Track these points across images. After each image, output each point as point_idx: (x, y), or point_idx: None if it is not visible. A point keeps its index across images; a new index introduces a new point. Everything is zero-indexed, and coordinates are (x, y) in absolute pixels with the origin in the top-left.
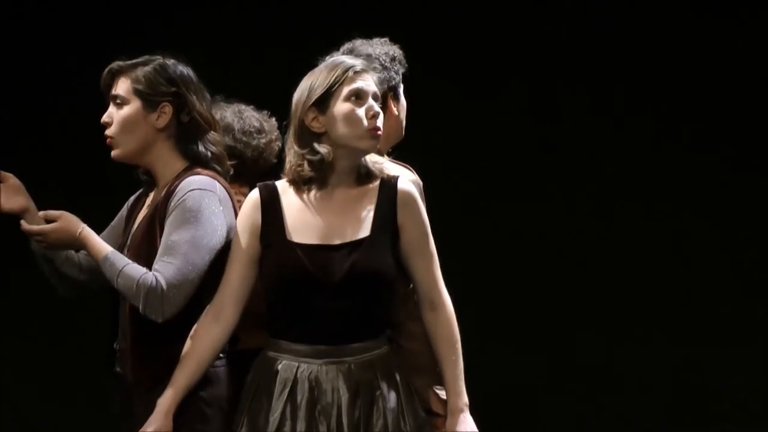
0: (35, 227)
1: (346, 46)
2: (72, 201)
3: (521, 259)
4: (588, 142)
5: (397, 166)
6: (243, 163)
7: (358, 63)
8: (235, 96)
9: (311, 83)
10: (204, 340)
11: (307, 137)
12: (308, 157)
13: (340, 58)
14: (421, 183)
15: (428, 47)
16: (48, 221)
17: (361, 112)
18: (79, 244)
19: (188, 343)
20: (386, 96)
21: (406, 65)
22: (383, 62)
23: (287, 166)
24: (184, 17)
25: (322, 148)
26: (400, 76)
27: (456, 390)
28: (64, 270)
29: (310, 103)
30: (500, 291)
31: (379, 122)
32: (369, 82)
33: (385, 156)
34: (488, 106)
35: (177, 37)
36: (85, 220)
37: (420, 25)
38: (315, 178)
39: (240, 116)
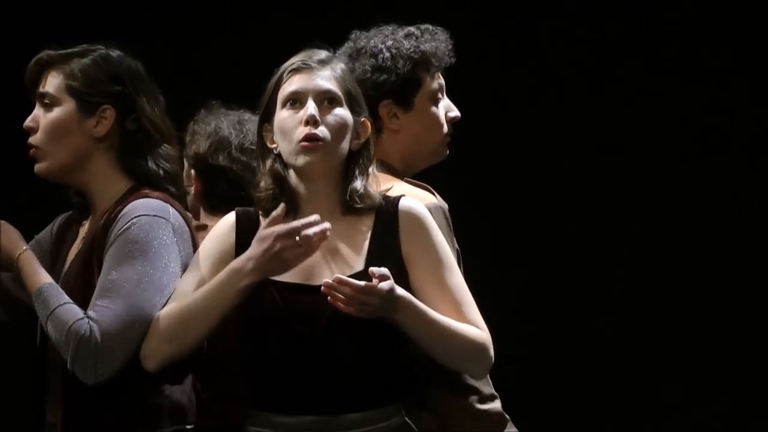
0: None
1: (351, 36)
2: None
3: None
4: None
5: (413, 188)
6: (239, 188)
7: (301, 58)
8: (239, 101)
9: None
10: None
11: (267, 159)
12: (267, 182)
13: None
14: (444, 206)
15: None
16: None
17: (296, 119)
18: (13, 267)
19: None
20: (376, 104)
21: (444, 59)
22: (381, 60)
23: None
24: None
25: (276, 171)
26: (398, 77)
27: (415, 302)
28: None
29: (260, 117)
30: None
31: (321, 129)
32: (313, 80)
33: (403, 180)
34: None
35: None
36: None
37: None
38: (285, 208)
39: (239, 129)
